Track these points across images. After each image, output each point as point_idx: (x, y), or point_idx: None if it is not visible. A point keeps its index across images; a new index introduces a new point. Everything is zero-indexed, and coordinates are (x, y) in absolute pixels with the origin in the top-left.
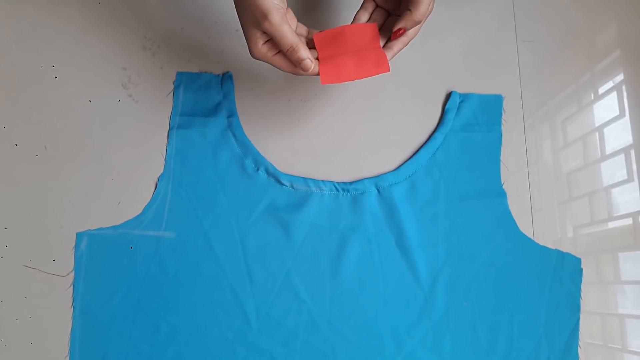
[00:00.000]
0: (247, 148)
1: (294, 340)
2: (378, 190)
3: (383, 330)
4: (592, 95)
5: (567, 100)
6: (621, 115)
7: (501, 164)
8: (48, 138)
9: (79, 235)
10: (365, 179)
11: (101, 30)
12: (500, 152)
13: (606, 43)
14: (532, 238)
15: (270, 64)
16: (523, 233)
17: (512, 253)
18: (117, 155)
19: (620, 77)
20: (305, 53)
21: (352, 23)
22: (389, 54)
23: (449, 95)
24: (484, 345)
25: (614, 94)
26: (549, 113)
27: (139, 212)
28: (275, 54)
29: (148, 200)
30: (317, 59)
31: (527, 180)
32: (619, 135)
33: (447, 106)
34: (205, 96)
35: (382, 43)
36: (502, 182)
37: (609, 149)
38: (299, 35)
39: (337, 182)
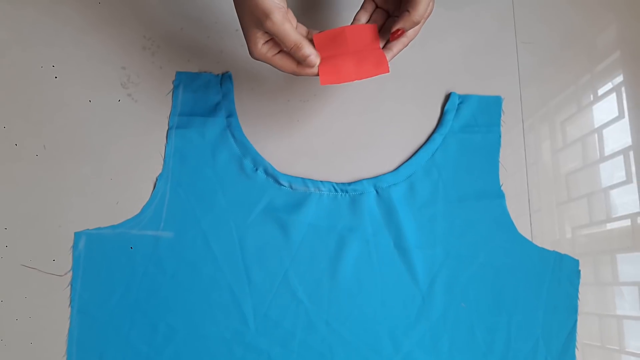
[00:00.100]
0: (246, 148)
1: (291, 341)
2: (377, 191)
3: (381, 330)
4: (592, 96)
5: (566, 101)
6: (620, 116)
7: (500, 165)
8: (48, 138)
9: (77, 235)
10: (364, 179)
11: (101, 30)
12: (499, 153)
13: (606, 44)
14: (530, 239)
15: (270, 65)
16: (521, 234)
17: (510, 254)
18: (116, 155)
19: (619, 79)
20: (309, 49)
21: (351, 24)
22: (388, 55)
23: (448, 96)
24: (482, 346)
25: (614, 95)
26: (548, 114)
27: (138, 211)
28: (275, 54)
29: (146, 200)
30: None
31: (526, 181)
32: (618, 137)
33: (446, 107)
34: (204, 96)
35: (382, 44)
36: (501, 183)
37: (608, 150)
38: None
39: (336, 183)
